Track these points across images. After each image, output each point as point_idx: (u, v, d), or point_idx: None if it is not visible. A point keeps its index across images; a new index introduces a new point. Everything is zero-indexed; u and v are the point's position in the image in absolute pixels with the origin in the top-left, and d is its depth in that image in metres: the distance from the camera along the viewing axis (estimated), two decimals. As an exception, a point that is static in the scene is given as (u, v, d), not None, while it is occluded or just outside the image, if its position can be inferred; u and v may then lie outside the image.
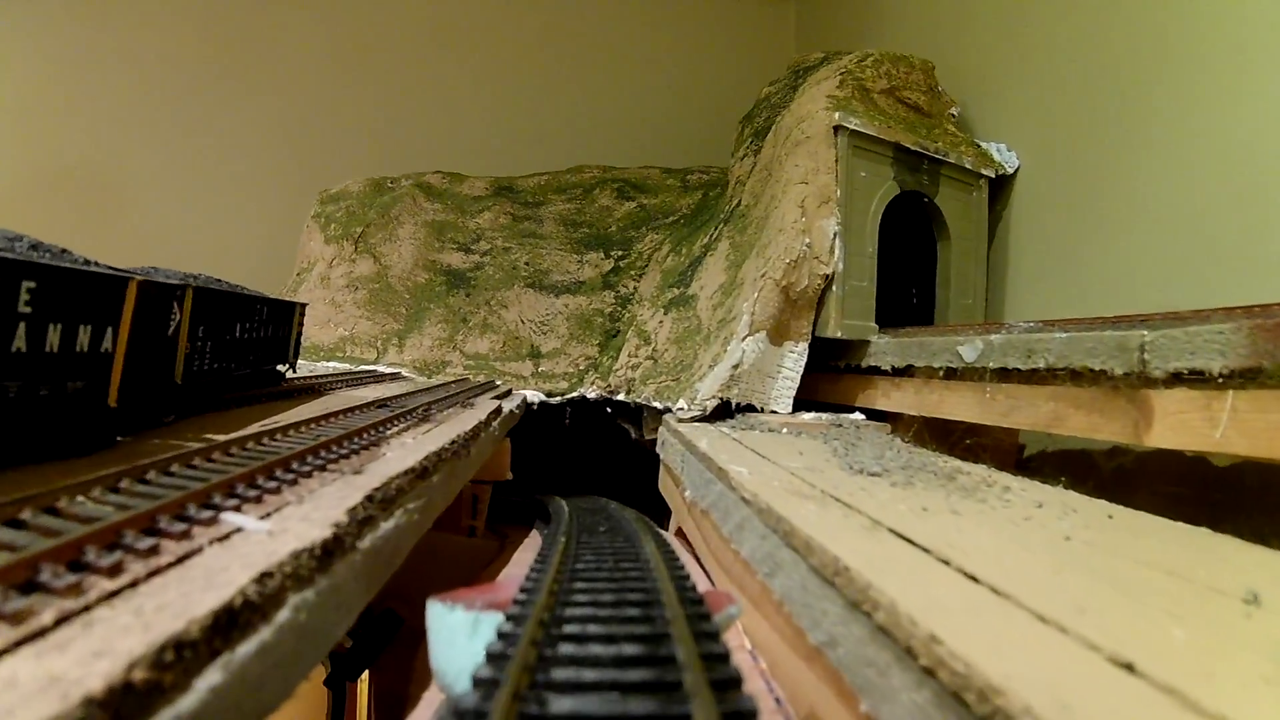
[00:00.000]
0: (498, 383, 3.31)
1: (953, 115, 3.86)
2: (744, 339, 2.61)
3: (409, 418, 1.84)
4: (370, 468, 1.24)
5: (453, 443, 1.60)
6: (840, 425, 2.69)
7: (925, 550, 1.10)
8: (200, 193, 6.02)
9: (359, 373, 3.12)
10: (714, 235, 3.42)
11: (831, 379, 3.26)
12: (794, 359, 2.83)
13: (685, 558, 1.89)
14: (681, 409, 2.53)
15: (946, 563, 1.04)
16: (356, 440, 1.47)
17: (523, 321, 3.72)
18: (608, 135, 5.84)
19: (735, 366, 2.55)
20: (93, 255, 1.39)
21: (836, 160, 3.01)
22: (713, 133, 5.42)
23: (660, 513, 2.55)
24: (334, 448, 1.36)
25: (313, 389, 2.41)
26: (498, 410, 2.28)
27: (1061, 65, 3.35)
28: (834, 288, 2.90)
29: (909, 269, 3.70)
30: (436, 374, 3.64)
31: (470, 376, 3.52)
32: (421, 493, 1.31)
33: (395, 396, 2.21)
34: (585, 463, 4.30)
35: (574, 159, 5.08)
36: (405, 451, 1.44)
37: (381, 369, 3.61)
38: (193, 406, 1.74)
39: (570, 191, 4.57)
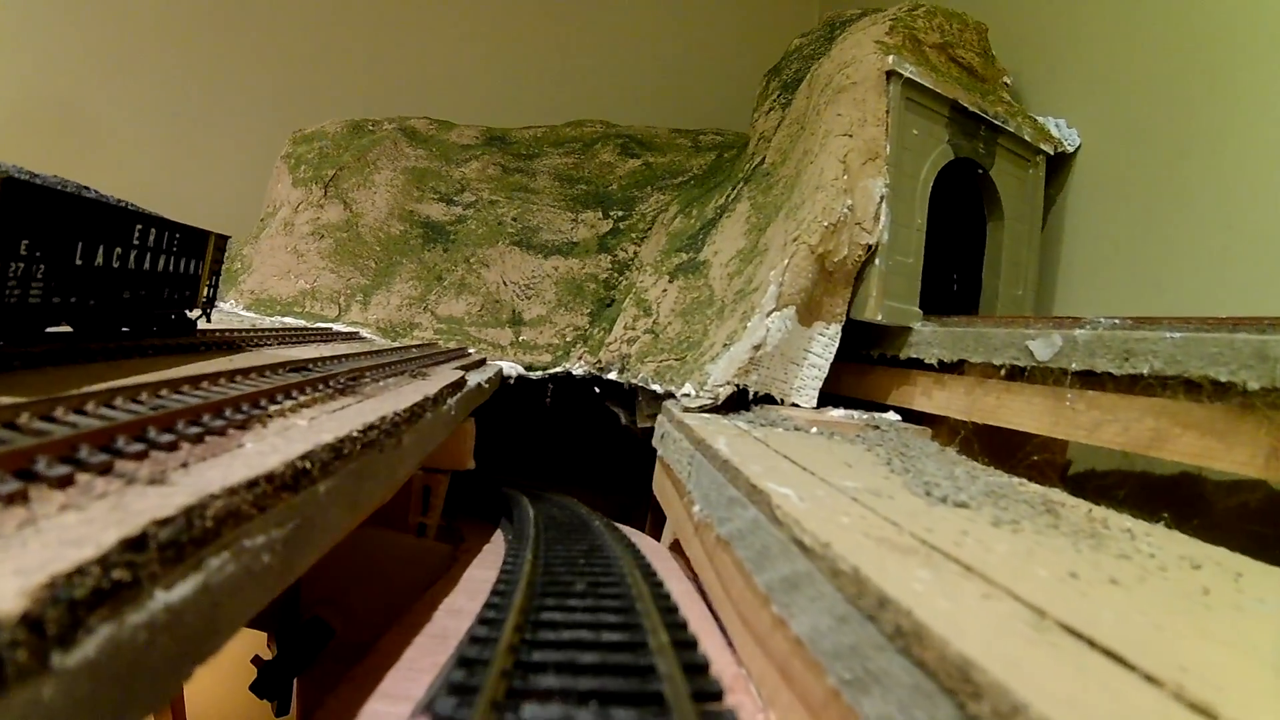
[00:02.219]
0: (470, 351, 2.76)
1: (1005, 84, 3.32)
2: (769, 314, 2.07)
3: (324, 388, 1.30)
4: (185, 475, 0.70)
5: (369, 428, 1.05)
6: (878, 428, 2.16)
7: (1150, 679, 0.59)
8: (172, 132, 5.44)
9: (304, 329, 2.57)
10: (731, 196, 2.88)
11: (859, 371, 2.73)
12: (824, 343, 2.29)
13: (685, 598, 1.37)
14: (688, 395, 1.99)
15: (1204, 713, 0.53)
16: (208, 419, 0.93)
17: (505, 283, 3.17)
18: (614, 91, 5.26)
19: (757, 347, 2.01)
20: None
21: (887, 112, 2.47)
22: (728, 96, 4.86)
23: (639, 501, 2.03)
24: (153, 432, 0.82)
25: (229, 344, 1.87)
26: (457, 384, 1.74)
27: (1134, 33, 2.85)
28: (876, 261, 2.37)
29: (951, 251, 3.16)
30: (403, 337, 3.09)
31: (440, 342, 2.97)
32: (286, 514, 0.77)
33: (327, 358, 1.67)
34: (566, 451, 3.76)
35: (575, 115, 4.50)
36: (282, 441, 0.90)
37: (339, 328, 3.06)
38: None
39: (569, 145, 4.01)
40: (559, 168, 3.79)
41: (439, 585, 1.50)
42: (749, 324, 2.07)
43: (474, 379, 2.08)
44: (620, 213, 3.38)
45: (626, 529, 2.21)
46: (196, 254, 1.85)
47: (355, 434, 1.02)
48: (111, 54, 5.33)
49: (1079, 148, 3.12)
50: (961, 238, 3.15)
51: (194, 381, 1.14)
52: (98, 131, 5.37)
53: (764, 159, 2.91)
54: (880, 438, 2.01)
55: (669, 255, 2.69)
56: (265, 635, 2.33)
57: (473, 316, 3.08)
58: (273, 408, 1.08)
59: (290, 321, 3.17)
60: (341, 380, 1.39)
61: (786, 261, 2.16)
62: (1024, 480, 1.65)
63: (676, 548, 1.95)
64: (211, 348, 1.79)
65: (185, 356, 1.58)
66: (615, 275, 3.06)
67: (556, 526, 1.70)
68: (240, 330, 2.08)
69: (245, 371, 1.32)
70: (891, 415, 2.38)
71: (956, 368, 2.41)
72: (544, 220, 3.40)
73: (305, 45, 5.41)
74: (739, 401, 2.02)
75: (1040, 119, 3.11)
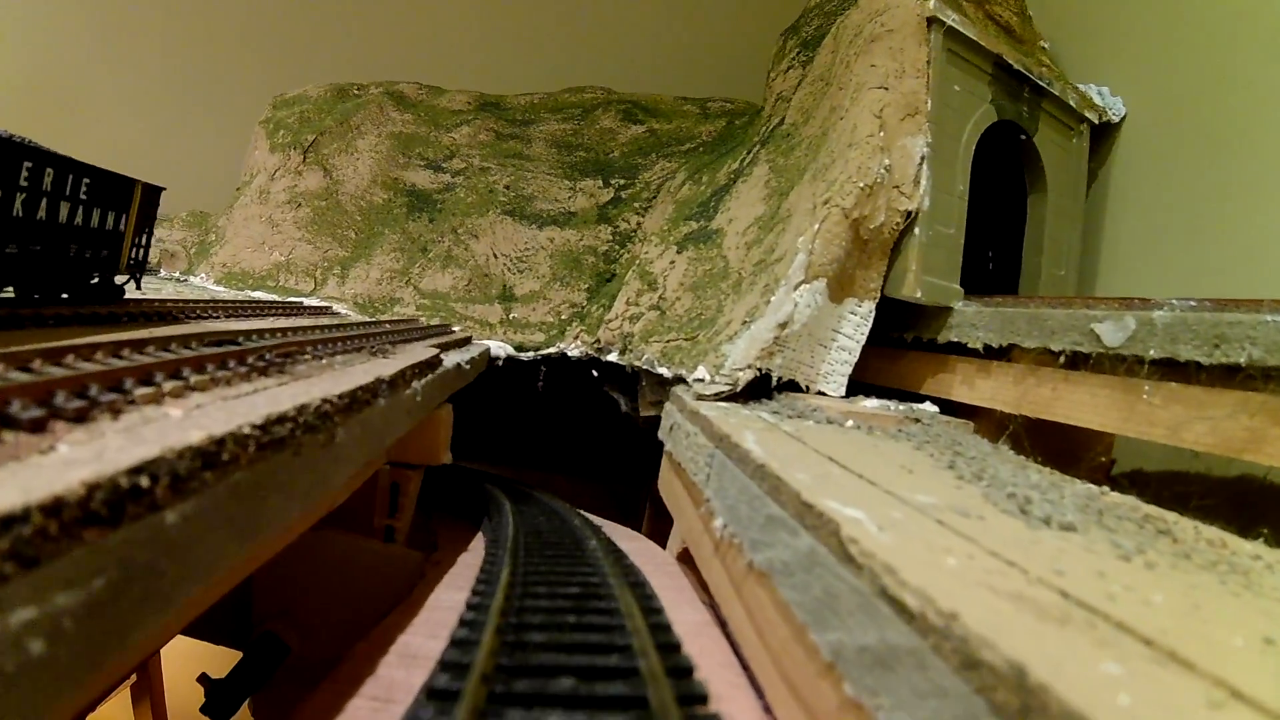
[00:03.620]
0: (454, 329, 2.44)
1: (1043, 49, 3.00)
2: (796, 287, 1.75)
3: (238, 366, 0.97)
4: None
5: (278, 420, 0.74)
6: (919, 421, 1.84)
7: None
8: (149, 99, 5.09)
9: (265, 303, 2.24)
10: (746, 160, 2.55)
11: (888, 356, 2.41)
12: (855, 323, 1.98)
13: (700, 636, 1.06)
14: (701, 380, 1.67)
15: None
16: (18, 409, 0.61)
17: (495, 255, 2.84)
18: (616, 59, 4.91)
19: (782, 325, 1.69)
20: None
21: (928, 63, 2.15)
22: (736, 64, 4.52)
23: (637, 490, 1.72)
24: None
25: (159, 315, 1.55)
26: (428, 364, 1.42)
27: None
28: (916, 231, 2.05)
29: (986, 226, 2.84)
30: (382, 313, 2.77)
31: (422, 319, 2.64)
32: (82, 566, 0.45)
33: (266, 331, 1.34)
34: (560, 440, 3.44)
35: (575, 83, 4.16)
36: (123, 441, 0.58)
37: (311, 303, 2.73)
38: None
39: (567, 111, 3.67)
40: (556, 134, 3.46)
41: (395, 616, 1.18)
42: (773, 298, 1.75)
43: (453, 359, 1.76)
44: (622, 181, 3.05)
45: (624, 535, 1.89)
46: (118, 206, 1.52)
47: (250, 429, 0.70)
48: (86, 16, 4.98)
49: (1124, 117, 2.81)
50: (998, 212, 2.83)
51: (54, 356, 0.82)
52: (72, 99, 5.03)
53: (783, 119, 2.59)
54: (926, 433, 1.69)
55: (676, 224, 2.37)
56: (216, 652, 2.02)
57: (459, 291, 2.76)
58: (141, 392, 0.76)
59: (257, 295, 2.84)
60: (269, 357, 1.07)
61: (817, 226, 1.83)
62: (1101, 486, 1.33)
63: (687, 558, 1.64)
64: (137, 318, 1.47)
65: (86, 328, 1.26)
66: (616, 248, 2.74)
67: (541, 550, 1.38)
68: (181, 300, 1.76)
69: (141, 344, 1.00)
70: (929, 406, 2.07)
71: (1003, 354, 2.11)
72: (539, 188, 3.07)
73: (290, 6, 5.06)
74: (760, 388, 1.70)
75: (1081, 87, 2.80)
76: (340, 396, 0.94)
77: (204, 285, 3.24)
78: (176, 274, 3.67)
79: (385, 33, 5.05)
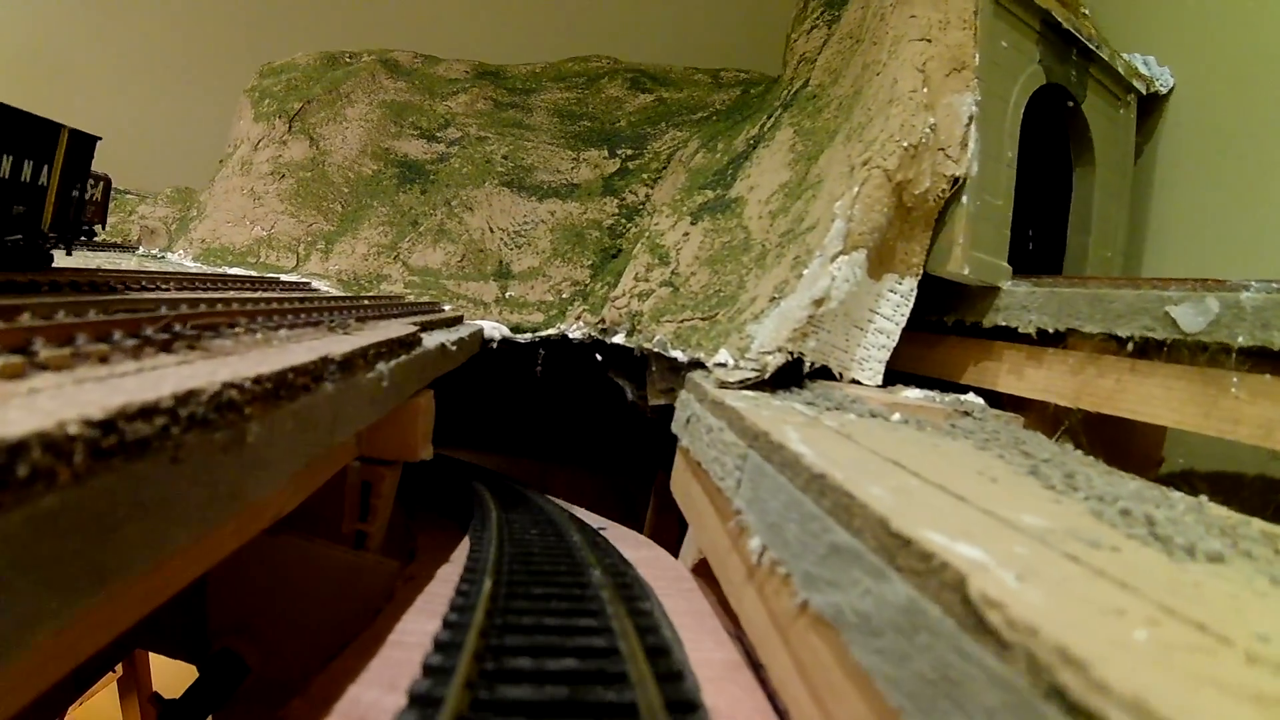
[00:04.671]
0: (444, 307, 2.19)
1: (1085, 15, 2.74)
2: (834, 259, 1.50)
3: (134, 338, 0.73)
4: None
5: (141, 412, 0.48)
6: (969, 415, 1.60)
7: None
8: (136, 68, 4.83)
9: (227, 276, 1.99)
10: (768, 125, 2.29)
11: (924, 341, 2.16)
12: (895, 303, 1.73)
13: (727, 684, 0.81)
14: (723, 365, 1.42)
15: None
16: None
17: (491, 229, 2.59)
18: (622, 28, 4.63)
19: (818, 302, 1.44)
20: None
21: (975, 13, 1.90)
22: (749, 35, 4.25)
23: (641, 482, 1.48)
24: None
25: (93, 285, 1.30)
26: (401, 344, 1.18)
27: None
28: (963, 199, 1.80)
29: (1026, 201, 2.59)
30: (368, 291, 2.52)
31: (410, 296, 2.39)
32: None
33: (204, 300, 1.09)
34: (559, 431, 3.20)
35: (579, 52, 3.89)
36: None
37: (290, 279, 2.48)
38: None
39: (571, 80, 3.40)
40: (559, 103, 3.20)
41: (350, 654, 0.94)
42: (805, 271, 1.50)
43: (436, 339, 1.51)
44: (629, 151, 2.79)
45: (631, 542, 1.65)
46: (37, 155, 1.27)
47: (83, 428, 0.45)
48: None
49: (1172, 89, 2.56)
50: (1039, 187, 2.58)
51: None
52: (56, 69, 4.77)
53: (807, 81, 2.33)
54: (981, 429, 1.44)
55: (690, 193, 2.11)
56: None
57: (451, 268, 2.50)
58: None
59: (229, 271, 2.59)
60: (179, 329, 0.82)
61: (856, 190, 1.58)
62: (1198, 496, 1.09)
63: (705, 570, 1.39)
64: (61, 289, 1.22)
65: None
66: (623, 221, 2.48)
67: (529, 569, 1.13)
68: (122, 270, 1.51)
69: (13, 311, 0.75)
70: (974, 398, 1.81)
71: (1057, 341, 1.87)
72: (540, 159, 2.81)
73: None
74: (789, 376, 1.45)
75: (1125, 56, 2.56)
76: (258, 380, 0.69)
77: (180, 262, 3.00)
78: (155, 251, 3.42)
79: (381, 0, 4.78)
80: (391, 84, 3.44)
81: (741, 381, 1.33)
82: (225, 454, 0.65)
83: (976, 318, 2.01)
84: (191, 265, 2.89)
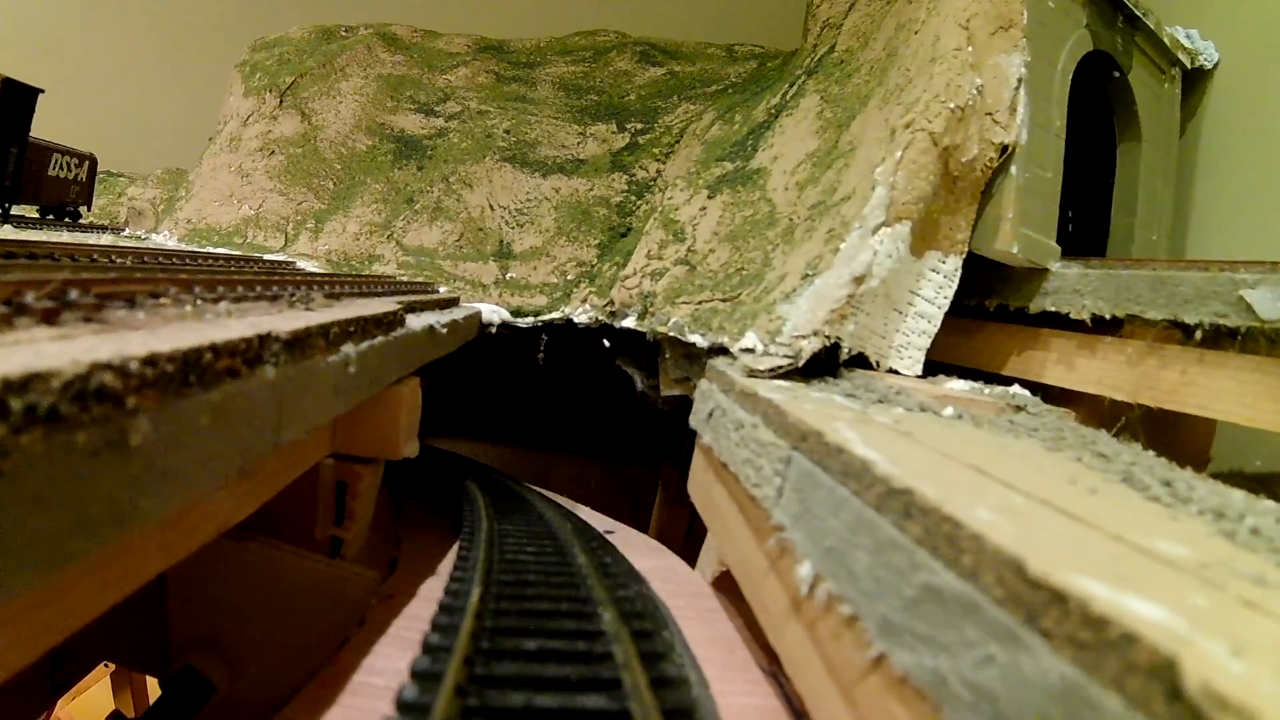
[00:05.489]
0: (439, 288, 2.00)
1: (1120, -17, 2.52)
2: (875, 231, 1.30)
3: (4, 305, 0.53)
4: None
5: None
6: (1023, 409, 1.40)
7: None
8: (128, 46, 4.64)
9: (196, 254, 1.80)
10: (790, 93, 2.09)
11: (960, 327, 1.97)
12: (937, 284, 1.53)
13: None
14: (750, 350, 1.23)
15: None
16: None
17: (492, 207, 2.39)
18: (631, 5, 4.41)
19: (858, 279, 1.25)
20: None
21: (1022, -34, 1.70)
22: (764, 11, 4.04)
23: (648, 474, 1.29)
24: None
25: (31, 255, 1.10)
26: (376, 323, 0.99)
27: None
28: (1012, 170, 1.61)
29: (1066, 179, 2.39)
30: (359, 271, 2.32)
31: (403, 276, 2.20)
32: None
33: (136, 270, 0.90)
34: (563, 420, 3.01)
35: (585, 27, 3.68)
36: None
37: (271, 258, 2.29)
38: None
39: (577, 54, 3.20)
40: (565, 76, 3.00)
41: (303, 701, 0.75)
42: (842, 245, 1.30)
43: (423, 321, 1.32)
44: (639, 125, 2.59)
45: (643, 549, 1.46)
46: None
47: None
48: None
49: (1217, 64, 2.37)
50: (1079, 164, 2.38)
51: None
52: (45, 45, 4.58)
53: (833, 47, 2.13)
54: (1044, 426, 1.24)
55: (707, 165, 1.92)
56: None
57: (448, 248, 2.31)
58: None
59: (205, 250, 2.40)
60: (74, 297, 0.63)
61: (899, 155, 1.38)
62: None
63: (729, 584, 1.21)
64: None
65: None
66: (632, 199, 2.29)
67: (523, 597, 0.93)
68: (61, 243, 1.32)
69: None
70: (1019, 389, 1.61)
71: (1114, 326, 1.68)
72: (544, 133, 2.62)
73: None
74: (822, 363, 1.26)
75: (1168, 28, 2.37)
76: (151, 361, 0.50)
77: (163, 244, 2.81)
78: (140, 233, 3.24)
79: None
80: (389, 57, 3.24)
81: (773, 369, 1.14)
82: (96, 461, 0.46)
83: (1021, 302, 1.82)
84: (173, 246, 2.70)
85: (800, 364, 1.18)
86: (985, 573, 0.49)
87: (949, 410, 1.17)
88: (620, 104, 2.76)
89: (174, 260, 1.26)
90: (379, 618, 0.99)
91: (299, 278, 1.20)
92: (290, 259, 2.32)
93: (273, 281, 1.02)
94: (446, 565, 1.18)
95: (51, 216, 3.34)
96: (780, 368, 1.15)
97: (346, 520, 1.25)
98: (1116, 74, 2.17)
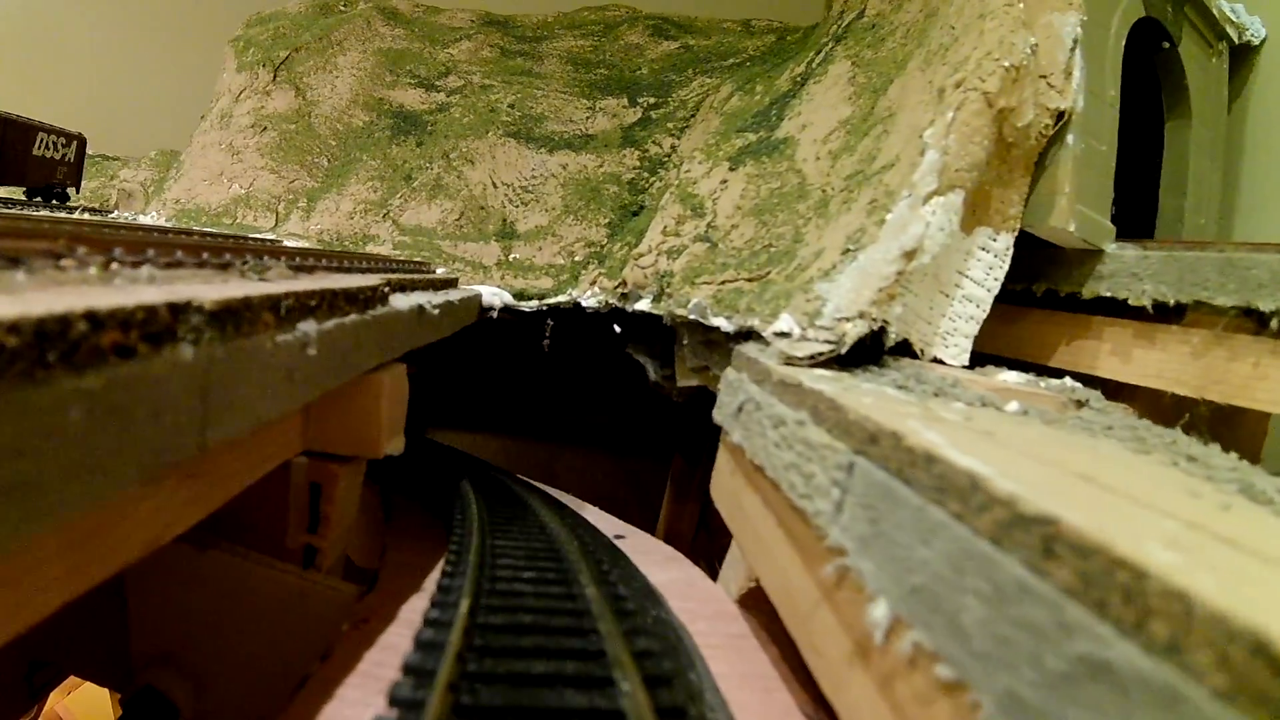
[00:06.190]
0: (436, 269, 1.83)
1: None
2: (927, 200, 1.13)
3: None
4: None
5: None
6: (1085, 404, 1.25)
7: None
8: (122, 25, 4.48)
9: (164, 229, 1.63)
10: (816, 61, 1.92)
11: (1003, 314, 1.79)
12: (987, 264, 1.37)
13: None
14: (786, 334, 1.06)
15: None
16: None
17: (495, 184, 2.23)
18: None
19: (909, 254, 1.08)
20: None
21: (1074, -83, 1.53)
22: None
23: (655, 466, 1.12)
24: None
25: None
26: (346, 298, 0.82)
27: None
28: (1069, 140, 1.44)
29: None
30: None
31: (398, 257, 2.03)
32: None
33: (47, 233, 0.73)
34: (569, 410, 2.85)
35: (593, 2, 3.50)
36: None
37: (258, 238, 2.13)
38: None
39: (586, 28, 3.03)
40: (573, 50, 2.83)
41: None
42: (889, 215, 1.14)
43: (411, 300, 1.15)
44: (652, 99, 2.42)
45: (657, 557, 1.30)
46: None
47: None
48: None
49: (1264, 40, 2.20)
50: (1121, 143, 2.21)
51: None
52: (39, 24, 4.42)
53: (862, 11, 1.96)
54: (1120, 424, 1.08)
55: (727, 136, 1.75)
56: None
57: (448, 227, 2.15)
58: None
59: (178, 228, 2.24)
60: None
61: (950, 115, 1.21)
62: None
63: (756, 602, 1.05)
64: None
65: None
66: (645, 175, 2.12)
67: (519, 624, 0.77)
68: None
69: None
70: (1071, 382, 1.44)
71: (1173, 315, 1.51)
72: (551, 108, 2.45)
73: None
74: (872, 348, 1.09)
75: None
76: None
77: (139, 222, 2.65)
78: (128, 215, 3.08)
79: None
80: (389, 31, 3.07)
81: (813, 356, 0.97)
82: None
83: (1073, 287, 1.65)
84: (143, 221, 2.54)
85: (843, 350, 1.01)
86: (1195, 648, 0.33)
87: (1013, 405, 1.00)
88: (632, 78, 2.59)
89: (112, 229, 1.09)
90: (349, 648, 0.82)
91: (267, 248, 1.03)
92: (278, 239, 2.16)
93: (227, 249, 0.86)
94: (434, 580, 1.01)
95: (40, 199, 3.18)
96: (821, 354, 0.99)
97: (321, 527, 1.09)
98: (1166, 45, 2.00)
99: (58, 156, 3.20)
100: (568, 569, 0.97)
